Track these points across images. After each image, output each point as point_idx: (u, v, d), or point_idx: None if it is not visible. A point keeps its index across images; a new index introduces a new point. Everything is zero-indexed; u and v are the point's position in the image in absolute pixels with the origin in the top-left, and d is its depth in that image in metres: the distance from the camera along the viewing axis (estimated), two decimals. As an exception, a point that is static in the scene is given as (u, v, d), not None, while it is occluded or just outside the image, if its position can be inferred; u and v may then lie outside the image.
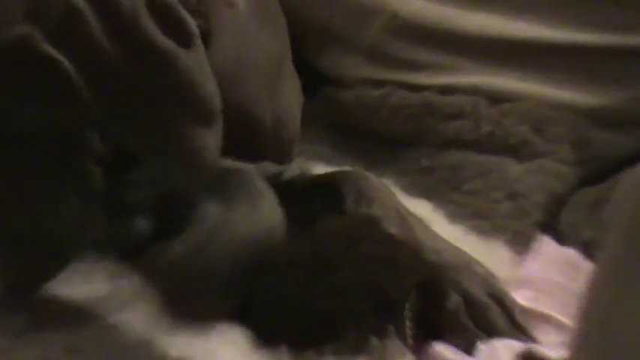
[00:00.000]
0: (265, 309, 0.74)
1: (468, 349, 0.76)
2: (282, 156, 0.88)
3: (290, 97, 0.90)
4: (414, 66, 1.05)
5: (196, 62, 0.68)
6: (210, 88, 0.70)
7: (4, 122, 0.66)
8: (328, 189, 0.83)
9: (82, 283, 0.83)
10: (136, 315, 0.78)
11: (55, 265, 0.72)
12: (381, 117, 1.04)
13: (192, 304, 0.75)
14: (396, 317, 0.68)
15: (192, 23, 0.70)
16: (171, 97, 0.68)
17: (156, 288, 0.79)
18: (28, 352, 0.71)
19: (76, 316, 0.78)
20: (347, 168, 0.91)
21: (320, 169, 1.00)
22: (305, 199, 0.86)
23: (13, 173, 0.68)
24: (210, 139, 0.70)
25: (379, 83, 1.06)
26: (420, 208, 0.94)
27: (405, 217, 0.80)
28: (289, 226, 0.82)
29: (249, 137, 0.82)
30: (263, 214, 0.77)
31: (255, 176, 0.80)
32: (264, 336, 0.73)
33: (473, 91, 1.05)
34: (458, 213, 0.94)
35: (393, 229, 0.75)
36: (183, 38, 0.68)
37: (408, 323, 0.68)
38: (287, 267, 0.74)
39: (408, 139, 1.03)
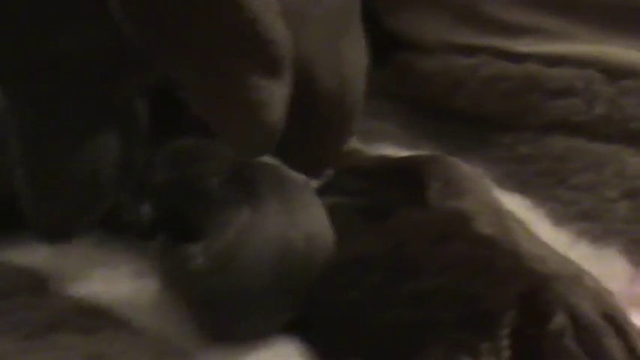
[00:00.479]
0: (327, 318, 0.76)
1: (573, 381, 0.78)
2: (344, 127, 0.91)
3: (354, 57, 0.93)
4: (513, 30, 1.06)
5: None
6: (279, 30, 0.71)
7: (39, 46, 0.71)
8: (406, 175, 0.85)
9: (103, 282, 0.89)
10: (167, 321, 0.83)
11: (95, 205, 0.78)
12: (469, 91, 1.06)
13: (225, 326, 0.79)
14: (491, 333, 0.68)
15: None
16: (231, 37, 0.70)
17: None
18: (43, 356, 0.76)
19: (97, 318, 0.83)
20: (429, 152, 0.93)
21: (388, 152, 1.02)
22: (376, 187, 0.88)
23: (51, 101, 0.74)
24: (277, 93, 0.71)
25: (469, 50, 1.07)
26: (516, 205, 0.94)
27: (502, 215, 0.81)
28: (356, 220, 0.85)
29: (305, 99, 0.82)
30: (301, 215, 0.80)
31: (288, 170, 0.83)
32: (323, 350, 0.76)
33: (586, 63, 1.05)
34: (563, 213, 0.96)
35: (487, 229, 0.76)
36: None
37: (504, 342, 0.70)
38: (356, 268, 0.76)
39: (503, 120, 1.04)
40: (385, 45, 1.16)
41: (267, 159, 0.85)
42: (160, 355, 0.76)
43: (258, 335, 0.78)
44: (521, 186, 0.99)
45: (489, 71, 1.06)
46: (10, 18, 0.72)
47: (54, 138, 0.76)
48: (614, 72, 1.06)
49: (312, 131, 0.85)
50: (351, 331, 0.75)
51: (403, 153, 1.03)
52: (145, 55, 0.72)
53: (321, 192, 0.87)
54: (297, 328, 0.79)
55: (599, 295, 0.80)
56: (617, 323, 0.78)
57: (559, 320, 0.74)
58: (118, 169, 0.77)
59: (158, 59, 0.72)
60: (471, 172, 0.87)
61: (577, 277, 0.80)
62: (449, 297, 0.71)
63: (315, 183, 0.88)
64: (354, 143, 0.96)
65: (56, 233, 0.79)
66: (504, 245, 0.76)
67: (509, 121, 1.04)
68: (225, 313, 0.78)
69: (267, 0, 0.71)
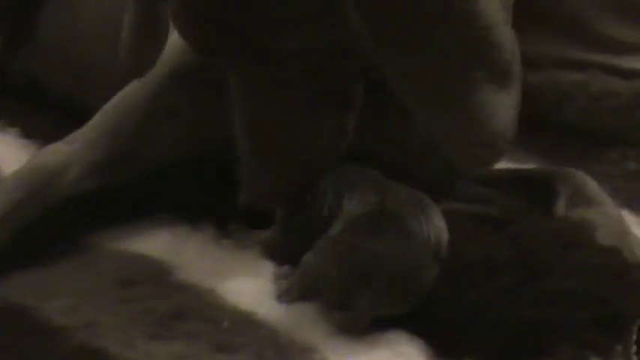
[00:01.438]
0: (448, 318, 0.78)
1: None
2: None
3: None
4: (623, 47, 1.09)
5: (497, 3, 0.69)
6: (509, 38, 0.70)
7: (272, 44, 0.76)
8: (534, 186, 0.88)
9: (225, 275, 0.92)
10: (289, 314, 0.85)
11: (310, 176, 0.83)
12: (577, 106, 1.08)
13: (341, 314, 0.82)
14: (623, 335, 0.71)
15: None
16: (463, 46, 0.69)
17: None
18: (172, 345, 0.79)
19: (222, 310, 0.86)
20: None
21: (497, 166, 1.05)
22: (497, 196, 0.91)
23: (279, 90, 0.79)
24: (506, 102, 0.70)
25: (579, 65, 1.10)
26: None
27: (624, 228, 0.84)
28: (475, 225, 0.87)
29: None
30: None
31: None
32: (443, 349, 0.78)
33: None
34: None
35: (609, 240, 0.79)
36: None
37: (634, 346, 0.71)
38: (480, 270, 0.79)
39: (610, 136, 1.06)
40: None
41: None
42: (284, 349, 0.79)
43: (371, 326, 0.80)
44: (629, 202, 1.00)
45: (599, 86, 1.08)
46: (266, 13, 0.75)
47: (279, 115, 0.80)
48: None
49: None
50: (473, 330, 0.77)
51: (511, 167, 1.06)
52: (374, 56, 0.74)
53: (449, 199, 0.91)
54: (417, 327, 0.81)
55: None
56: None
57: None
58: (332, 143, 0.82)
59: (390, 68, 0.72)
60: (597, 186, 0.89)
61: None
62: (580, 299, 0.73)
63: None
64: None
65: (268, 199, 0.83)
66: (629, 256, 0.78)
67: (616, 137, 1.06)
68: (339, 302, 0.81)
69: (499, 7, 0.70)
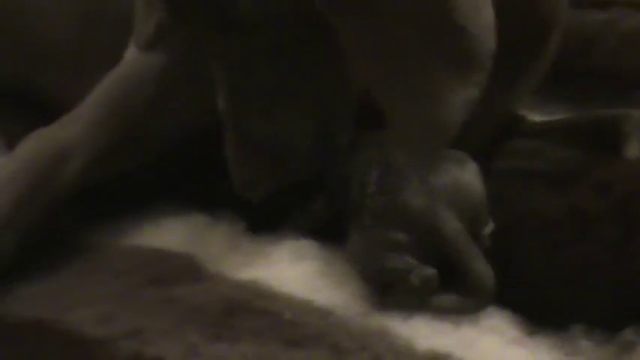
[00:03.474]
0: (542, 280, 0.72)
1: None
2: None
3: None
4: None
5: None
6: (479, 26, 0.65)
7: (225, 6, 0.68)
8: (596, 134, 0.82)
9: (259, 266, 0.83)
10: (350, 296, 0.77)
11: (285, 175, 0.75)
12: (606, 47, 1.04)
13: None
14: None
15: None
16: (426, 25, 0.65)
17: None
18: (239, 346, 0.70)
19: (274, 301, 0.77)
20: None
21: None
22: (555, 145, 0.86)
23: (252, 69, 0.71)
24: (457, 100, 0.66)
25: (605, 3, 1.06)
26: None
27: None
28: (538, 182, 0.82)
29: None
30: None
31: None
32: (542, 317, 0.72)
33: None
34: None
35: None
36: None
37: None
38: (571, 226, 0.73)
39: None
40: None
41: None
42: (362, 336, 0.71)
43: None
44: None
45: (628, 25, 1.04)
46: None
47: (253, 98, 0.73)
48: None
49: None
50: (572, 292, 0.71)
51: (540, 118, 1.00)
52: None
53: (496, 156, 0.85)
54: (503, 297, 0.75)
55: None
56: None
57: None
58: (314, 141, 0.75)
59: (343, 38, 0.67)
60: None
61: None
62: None
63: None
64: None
65: (249, 189, 0.75)
66: None
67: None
68: None
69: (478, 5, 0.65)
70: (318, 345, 0.71)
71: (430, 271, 0.73)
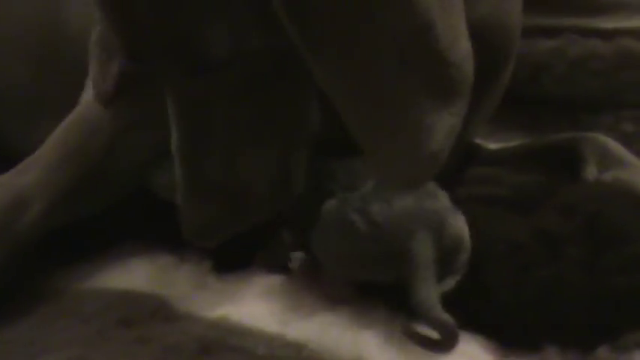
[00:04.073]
0: (513, 303, 0.73)
1: None
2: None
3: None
4: (598, 8, 1.05)
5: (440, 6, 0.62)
6: (459, 50, 0.64)
7: (194, 47, 0.66)
8: (553, 155, 0.84)
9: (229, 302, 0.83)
10: (323, 327, 0.76)
11: (245, 217, 0.72)
12: (555, 74, 1.05)
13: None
14: None
15: None
16: (400, 46, 0.63)
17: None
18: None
19: (248, 335, 0.77)
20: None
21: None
22: (510, 174, 0.87)
23: (211, 109, 0.69)
24: (446, 122, 0.64)
25: (552, 31, 1.06)
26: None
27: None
28: (500, 208, 0.83)
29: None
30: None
31: None
32: (515, 340, 0.73)
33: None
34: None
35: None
36: None
37: None
38: (539, 247, 0.74)
39: (599, 101, 1.03)
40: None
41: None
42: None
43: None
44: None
45: (578, 51, 1.05)
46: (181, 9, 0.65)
47: (211, 140, 0.70)
48: None
49: None
50: (544, 313, 0.72)
51: (495, 146, 1.02)
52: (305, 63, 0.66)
53: (456, 185, 0.86)
54: (476, 322, 0.76)
55: None
56: None
57: None
58: (274, 186, 0.72)
59: (318, 71, 0.65)
60: (620, 146, 0.85)
61: None
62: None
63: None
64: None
65: (202, 235, 0.72)
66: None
67: (606, 101, 1.03)
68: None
69: (451, 6, 0.64)
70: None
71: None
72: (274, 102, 0.70)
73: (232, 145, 0.70)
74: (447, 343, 0.71)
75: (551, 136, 0.90)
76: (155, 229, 0.90)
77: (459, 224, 0.76)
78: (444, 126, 0.65)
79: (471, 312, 0.75)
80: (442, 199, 0.77)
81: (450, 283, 0.75)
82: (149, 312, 0.80)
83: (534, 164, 0.88)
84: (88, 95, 0.90)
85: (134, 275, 0.86)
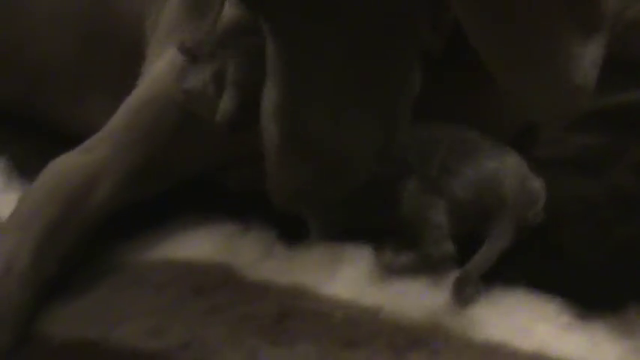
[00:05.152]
0: (594, 262, 0.73)
1: None
2: None
3: None
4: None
5: None
6: None
7: None
8: (622, 115, 0.84)
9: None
10: (399, 294, 0.77)
11: (339, 186, 0.71)
12: (613, 36, 1.05)
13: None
14: None
15: None
16: None
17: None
18: (299, 347, 0.70)
19: (324, 301, 0.77)
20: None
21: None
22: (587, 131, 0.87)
23: (321, 59, 0.68)
24: (592, 54, 0.67)
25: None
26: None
27: None
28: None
29: None
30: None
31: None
32: (592, 301, 0.73)
33: None
34: None
35: None
36: None
37: None
38: (618, 205, 0.74)
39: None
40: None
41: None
42: (416, 334, 0.71)
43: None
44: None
45: (634, 12, 1.05)
46: None
47: (318, 97, 0.68)
48: None
49: None
50: (627, 270, 0.72)
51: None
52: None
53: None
54: (552, 283, 0.76)
55: None
56: None
57: None
58: (376, 149, 0.71)
59: (472, 22, 0.66)
60: None
61: None
62: None
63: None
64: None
65: (296, 201, 0.72)
66: None
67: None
68: None
69: None
70: (374, 344, 0.71)
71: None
72: (383, 60, 0.70)
73: (338, 102, 0.69)
74: None
75: (614, 96, 0.90)
76: (215, 197, 0.90)
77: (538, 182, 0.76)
78: (591, 58, 0.67)
79: (545, 273, 0.76)
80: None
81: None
82: (220, 281, 0.80)
83: (599, 125, 0.88)
84: (150, 74, 0.91)
85: (200, 244, 0.86)
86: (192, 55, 0.81)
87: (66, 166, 0.86)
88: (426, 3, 0.71)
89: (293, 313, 0.74)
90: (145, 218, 0.89)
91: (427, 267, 0.75)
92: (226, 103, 0.77)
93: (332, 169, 0.70)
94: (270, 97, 0.71)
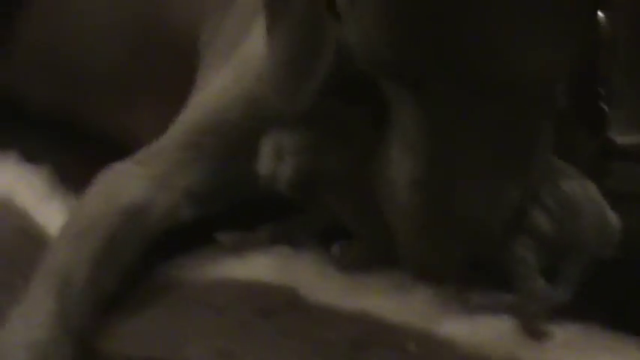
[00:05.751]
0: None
1: None
2: None
3: None
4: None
5: None
6: None
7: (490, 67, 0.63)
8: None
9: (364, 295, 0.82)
10: (475, 326, 0.75)
11: (485, 253, 0.70)
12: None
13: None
14: None
15: None
16: None
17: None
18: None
19: (395, 330, 0.75)
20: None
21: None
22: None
23: (468, 132, 0.66)
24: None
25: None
26: None
27: None
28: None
29: None
30: None
31: None
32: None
33: None
34: None
35: None
36: None
37: None
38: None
39: None
40: None
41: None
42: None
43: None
44: None
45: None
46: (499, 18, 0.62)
47: (459, 170, 0.66)
48: None
49: None
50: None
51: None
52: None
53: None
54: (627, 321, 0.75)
55: None
56: None
57: None
58: (509, 221, 0.69)
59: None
60: None
61: None
62: None
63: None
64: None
65: (434, 273, 0.71)
66: None
67: None
68: None
69: None
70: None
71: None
72: (529, 133, 0.68)
73: (485, 172, 0.67)
74: None
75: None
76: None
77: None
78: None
79: (622, 309, 0.75)
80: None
81: None
82: (282, 303, 0.78)
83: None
84: (207, 93, 0.89)
85: (254, 265, 0.83)
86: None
87: (122, 177, 0.84)
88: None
89: (366, 343, 0.72)
90: (195, 236, 0.87)
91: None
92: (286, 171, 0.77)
93: (469, 243, 0.68)
94: (402, 169, 0.68)
